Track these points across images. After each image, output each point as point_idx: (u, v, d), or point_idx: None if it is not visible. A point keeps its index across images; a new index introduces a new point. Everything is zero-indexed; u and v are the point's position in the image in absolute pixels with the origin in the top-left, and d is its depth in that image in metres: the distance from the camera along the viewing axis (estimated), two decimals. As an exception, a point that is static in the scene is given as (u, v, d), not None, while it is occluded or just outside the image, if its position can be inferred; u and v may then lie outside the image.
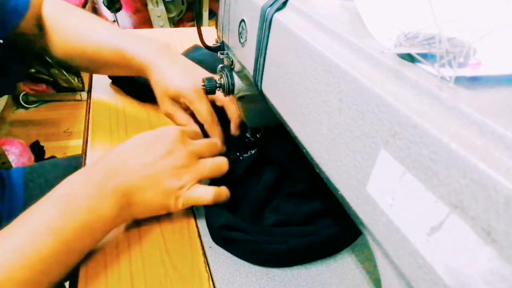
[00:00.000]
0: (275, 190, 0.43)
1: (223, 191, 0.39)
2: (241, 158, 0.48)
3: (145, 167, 0.36)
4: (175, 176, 0.36)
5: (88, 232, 0.32)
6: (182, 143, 0.38)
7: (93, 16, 0.56)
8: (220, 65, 0.47)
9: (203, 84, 0.45)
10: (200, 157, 0.39)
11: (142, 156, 0.36)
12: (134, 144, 0.37)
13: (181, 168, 0.37)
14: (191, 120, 0.47)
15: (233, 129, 0.50)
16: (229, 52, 0.43)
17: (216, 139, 0.44)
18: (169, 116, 0.49)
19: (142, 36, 0.52)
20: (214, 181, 0.41)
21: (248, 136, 0.50)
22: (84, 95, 2.03)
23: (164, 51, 0.49)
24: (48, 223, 0.30)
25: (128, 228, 0.39)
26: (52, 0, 0.57)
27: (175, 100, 0.47)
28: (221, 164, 0.40)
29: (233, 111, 0.49)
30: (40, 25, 0.55)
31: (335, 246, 0.38)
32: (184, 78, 0.46)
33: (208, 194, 0.37)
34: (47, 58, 0.59)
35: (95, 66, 0.56)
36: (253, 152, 0.48)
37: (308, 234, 0.36)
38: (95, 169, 0.35)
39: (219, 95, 0.48)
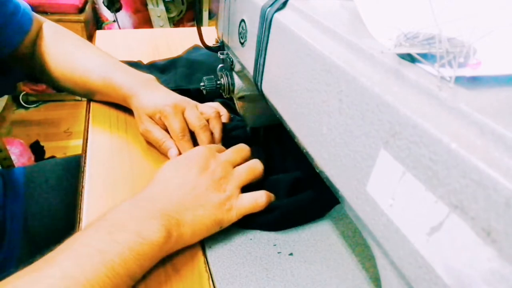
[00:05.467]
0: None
1: (271, 194, 0.39)
2: None
3: (187, 189, 0.36)
4: (218, 189, 0.37)
5: (134, 256, 0.30)
6: (213, 157, 0.39)
7: (87, 43, 0.59)
8: (220, 65, 0.47)
9: (203, 84, 0.45)
10: (234, 165, 0.40)
11: (181, 180, 0.37)
12: (168, 171, 0.38)
13: (221, 180, 0.38)
14: (167, 136, 0.47)
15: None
16: (229, 52, 0.43)
17: (242, 145, 0.43)
18: (145, 133, 0.48)
19: (129, 69, 0.54)
20: None
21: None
22: (84, 95, 2.02)
23: (148, 84, 0.51)
24: (92, 245, 0.29)
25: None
26: (51, 24, 0.58)
27: (152, 118, 0.48)
28: (255, 166, 0.41)
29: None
30: (35, 46, 0.56)
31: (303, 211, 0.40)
32: (163, 98, 0.48)
33: (262, 198, 0.38)
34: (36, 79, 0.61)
35: (83, 91, 0.57)
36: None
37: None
38: (138, 197, 0.36)
39: (205, 110, 0.48)
